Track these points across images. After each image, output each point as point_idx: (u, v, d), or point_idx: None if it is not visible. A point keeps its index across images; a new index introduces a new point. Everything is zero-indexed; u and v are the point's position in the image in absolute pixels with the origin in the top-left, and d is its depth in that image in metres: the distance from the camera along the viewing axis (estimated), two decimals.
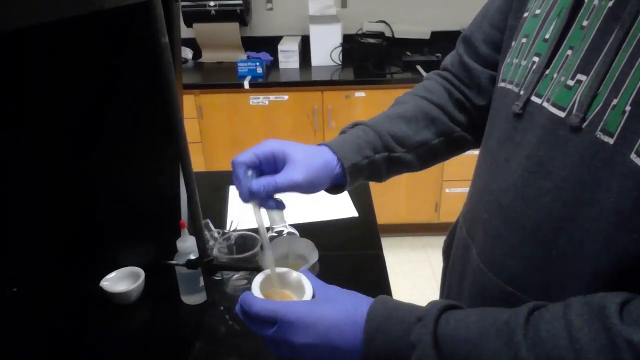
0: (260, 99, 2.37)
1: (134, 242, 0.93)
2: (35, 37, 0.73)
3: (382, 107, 0.75)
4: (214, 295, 0.84)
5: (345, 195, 1.24)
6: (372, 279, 0.96)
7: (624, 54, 0.43)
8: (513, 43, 0.62)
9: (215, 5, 2.54)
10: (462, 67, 0.75)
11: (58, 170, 0.86)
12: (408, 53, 2.53)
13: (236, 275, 0.93)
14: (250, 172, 0.61)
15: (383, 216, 2.35)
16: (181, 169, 0.65)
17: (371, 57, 2.48)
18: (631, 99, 0.41)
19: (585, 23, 0.49)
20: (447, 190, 2.53)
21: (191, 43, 2.71)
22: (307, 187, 0.63)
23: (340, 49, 2.52)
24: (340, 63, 2.53)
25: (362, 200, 1.22)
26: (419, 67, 2.43)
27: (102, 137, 0.87)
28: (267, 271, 0.62)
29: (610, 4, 0.46)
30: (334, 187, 0.70)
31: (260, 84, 2.35)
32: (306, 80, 2.38)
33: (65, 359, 0.81)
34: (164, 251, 0.88)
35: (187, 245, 0.85)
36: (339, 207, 1.19)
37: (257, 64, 2.40)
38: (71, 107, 0.81)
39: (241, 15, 2.58)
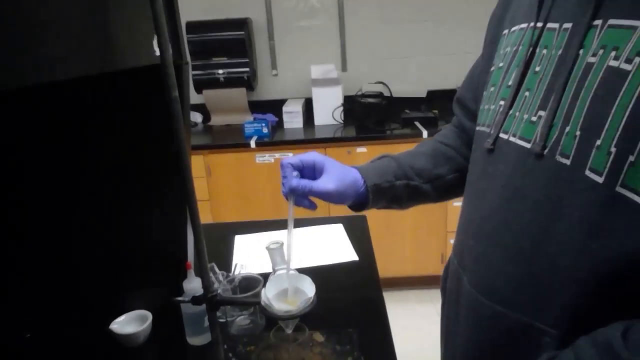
0: (266, 157, 2.48)
1: (142, 285, 0.98)
2: (53, 89, 0.82)
3: None
4: (218, 336, 0.87)
5: (345, 240, 1.29)
6: (372, 318, 0.99)
7: (569, 90, 0.52)
8: (485, 93, 0.71)
9: (223, 73, 2.72)
10: (459, 125, 0.87)
11: (70, 218, 0.93)
12: (406, 110, 2.66)
13: (240, 317, 0.97)
14: (295, 173, 0.74)
15: (388, 269, 2.37)
16: (188, 210, 0.72)
17: (371, 115, 2.60)
18: (579, 125, 0.49)
19: (537, 69, 0.58)
20: (452, 241, 2.55)
21: (201, 108, 2.87)
22: (336, 196, 0.75)
23: (341, 108, 2.65)
24: (342, 122, 2.66)
25: (362, 245, 1.27)
26: (417, 123, 2.54)
27: (111, 186, 0.95)
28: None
29: (560, 52, 0.55)
30: (358, 205, 0.81)
31: (266, 143, 2.46)
32: (310, 138, 2.49)
33: None
34: (171, 293, 0.92)
35: (193, 286, 0.90)
36: (340, 251, 1.23)
37: (263, 124, 2.53)
38: (86, 156, 0.89)
39: (248, 81, 2.76)
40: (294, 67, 2.92)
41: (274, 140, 2.51)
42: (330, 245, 1.27)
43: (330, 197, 0.75)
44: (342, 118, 2.66)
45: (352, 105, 2.65)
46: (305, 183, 0.74)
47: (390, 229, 2.52)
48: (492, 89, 0.68)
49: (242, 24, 2.71)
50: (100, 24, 0.59)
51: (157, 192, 0.95)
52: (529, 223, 0.56)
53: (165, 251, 0.97)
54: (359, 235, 1.34)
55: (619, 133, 0.46)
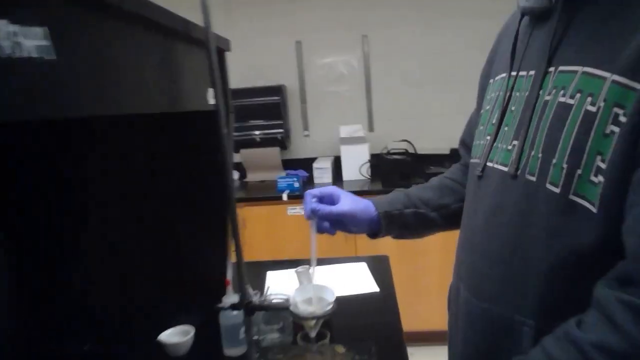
0: (297, 210, 2.64)
1: (188, 302, 1.11)
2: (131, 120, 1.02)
3: None
4: (252, 341, 0.99)
5: (368, 275, 1.40)
6: (390, 336, 1.08)
7: (534, 122, 0.66)
8: (476, 131, 0.85)
9: (260, 134, 2.97)
10: (464, 163, 1.01)
11: (133, 238, 1.10)
12: (430, 167, 2.80)
13: (271, 334, 1.08)
14: (315, 199, 0.89)
15: (418, 323, 2.40)
16: (230, 226, 0.87)
17: (397, 171, 2.75)
18: (541, 148, 0.63)
19: (513, 108, 0.73)
20: None
21: (238, 166, 3.10)
22: (350, 218, 0.89)
23: (368, 164, 2.82)
24: (369, 177, 2.82)
25: (384, 280, 1.37)
26: None
27: (164, 213, 1.12)
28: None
29: (527, 93, 0.69)
30: (373, 233, 0.94)
31: (297, 196, 2.63)
32: None
33: None
34: (212, 309, 1.05)
35: (231, 300, 1.03)
36: (362, 283, 1.34)
37: (295, 179, 2.71)
38: (149, 184, 1.07)
39: (282, 141, 2.99)
40: (324, 128, 3.15)
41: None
42: (353, 278, 1.38)
43: (345, 218, 0.89)
44: (369, 174, 2.82)
45: (379, 162, 2.82)
46: (324, 206, 0.89)
47: (416, 282, 2.58)
48: (481, 127, 0.83)
49: (278, 90, 2.99)
50: (170, 74, 0.78)
51: (202, 220, 1.11)
52: (507, 232, 0.68)
53: (208, 273, 1.11)
54: (381, 272, 1.45)
55: (568, 152, 0.59)
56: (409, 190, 0.99)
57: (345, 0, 3.08)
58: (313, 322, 0.84)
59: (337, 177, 2.90)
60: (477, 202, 0.78)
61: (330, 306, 0.83)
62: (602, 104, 0.56)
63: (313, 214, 0.88)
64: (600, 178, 0.56)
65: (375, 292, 1.30)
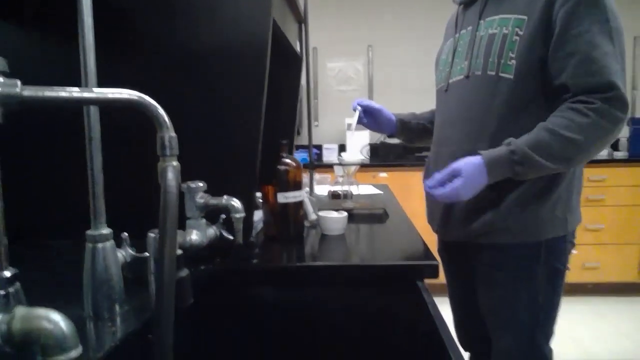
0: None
1: None
2: None
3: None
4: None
5: (374, 189, 2.01)
6: (392, 208, 1.68)
7: (475, 47, 1.27)
8: (436, 71, 1.48)
9: None
10: None
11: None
12: (422, 153, 3.44)
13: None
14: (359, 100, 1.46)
15: None
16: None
17: (392, 154, 3.39)
18: (483, 56, 1.22)
19: (460, 49, 1.34)
20: None
21: None
22: (379, 112, 1.46)
23: (368, 147, 3.46)
24: (368, 157, 3.45)
25: (384, 190, 1.98)
26: None
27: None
28: None
29: (468, 37, 1.31)
30: (390, 135, 1.53)
31: (308, 166, 3.24)
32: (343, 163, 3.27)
33: None
34: None
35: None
36: (371, 190, 1.95)
37: (307, 154, 3.33)
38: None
39: (296, 128, 3.61)
40: (331, 120, 3.80)
41: (315, 164, 3.29)
42: (366, 189, 2.00)
43: (376, 111, 1.48)
44: (369, 155, 3.45)
45: (377, 146, 3.46)
46: (366, 101, 1.49)
47: None
48: (440, 67, 1.43)
49: None
50: (284, 22, 1.41)
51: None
52: (467, 103, 1.28)
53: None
54: (384, 190, 2.06)
55: (497, 53, 1.21)
56: (416, 113, 1.61)
57: (354, 16, 3.78)
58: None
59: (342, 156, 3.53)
60: (445, 105, 1.39)
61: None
62: (510, 29, 1.18)
63: (358, 105, 1.48)
64: (513, 62, 1.17)
65: (380, 193, 1.91)
